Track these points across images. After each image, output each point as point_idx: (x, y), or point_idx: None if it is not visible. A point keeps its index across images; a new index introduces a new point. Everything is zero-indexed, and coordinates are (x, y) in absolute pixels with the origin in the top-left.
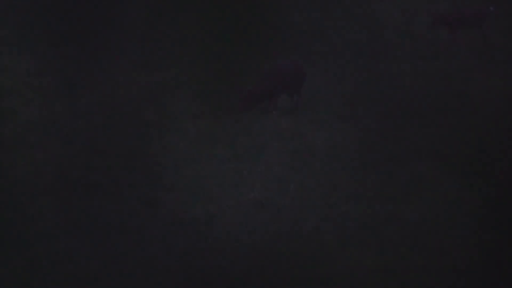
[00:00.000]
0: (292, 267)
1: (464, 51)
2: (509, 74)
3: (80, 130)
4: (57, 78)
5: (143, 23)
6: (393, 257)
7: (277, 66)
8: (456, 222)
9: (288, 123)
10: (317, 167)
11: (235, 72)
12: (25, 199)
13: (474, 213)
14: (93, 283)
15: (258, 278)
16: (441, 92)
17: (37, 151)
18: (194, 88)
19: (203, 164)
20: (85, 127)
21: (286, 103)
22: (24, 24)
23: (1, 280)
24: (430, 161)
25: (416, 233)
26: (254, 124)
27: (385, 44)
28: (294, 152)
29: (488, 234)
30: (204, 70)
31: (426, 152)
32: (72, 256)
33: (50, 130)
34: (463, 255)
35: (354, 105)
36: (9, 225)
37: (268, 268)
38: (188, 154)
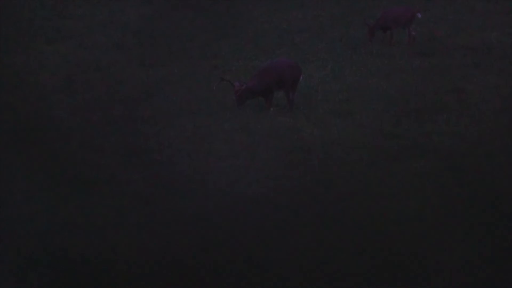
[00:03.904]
0: (289, 265)
1: (462, 48)
2: (506, 71)
3: (77, 127)
4: (53, 74)
5: (140, 19)
6: (392, 254)
7: (273, 63)
8: (454, 219)
9: (284, 120)
10: (314, 164)
11: (231, 68)
12: (22, 196)
13: (473, 210)
14: (90, 280)
15: (255, 275)
16: (438, 89)
17: (33, 148)
18: (191, 85)
19: (199, 161)
20: (81, 124)
21: (282, 100)
22: (21, 21)
23: None
24: (427, 158)
25: (414, 230)
26: (250, 121)
27: (382, 40)
28: (291, 149)
29: (486, 231)
30: (200, 66)
31: (424, 149)
32: (69, 254)
33: (46, 127)
34: (462, 252)
35: (351, 102)
36: (7, 223)
37: (265, 266)
38: (184, 151)
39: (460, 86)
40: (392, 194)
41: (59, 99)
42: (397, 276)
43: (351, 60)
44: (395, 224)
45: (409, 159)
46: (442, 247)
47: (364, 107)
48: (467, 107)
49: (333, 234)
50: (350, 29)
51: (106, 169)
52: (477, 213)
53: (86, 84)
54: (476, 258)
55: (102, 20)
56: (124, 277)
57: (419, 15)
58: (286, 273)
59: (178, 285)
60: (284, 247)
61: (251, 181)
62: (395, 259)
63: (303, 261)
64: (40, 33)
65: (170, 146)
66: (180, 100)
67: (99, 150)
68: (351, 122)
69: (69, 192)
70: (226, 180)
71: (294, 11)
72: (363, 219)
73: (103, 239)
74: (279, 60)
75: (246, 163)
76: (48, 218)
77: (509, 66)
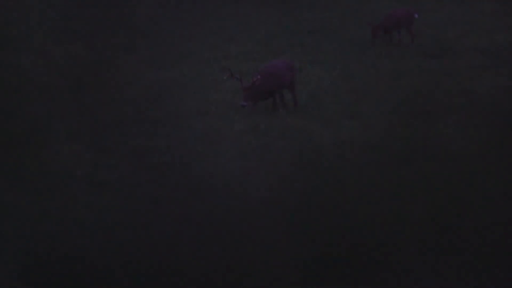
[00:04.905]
0: (299, 266)
1: (471, 50)
2: None
3: (87, 128)
4: (63, 76)
5: (149, 21)
6: (400, 256)
7: (272, 65)
8: (463, 221)
9: (294, 121)
10: (324, 166)
11: (241, 70)
12: (31, 197)
13: (482, 212)
14: (99, 281)
15: (264, 276)
16: (448, 90)
17: (43, 149)
18: (200, 86)
19: (209, 162)
20: (91, 125)
21: (291, 102)
22: (31, 22)
23: (4, 279)
24: (437, 160)
25: (423, 232)
26: (260, 122)
27: (392, 42)
28: (300, 151)
29: (495, 233)
30: (210, 68)
31: (433, 150)
32: (78, 255)
33: (56, 128)
34: (470, 254)
35: (361, 103)
36: (14, 224)
37: (274, 267)
38: (194, 152)
39: (469, 88)
40: (401, 196)
41: (68, 100)
42: (405, 277)
43: (361, 62)
44: (404, 227)
45: (419, 161)
46: (452, 250)
47: (374, 109)
48: (477, 109)
49: (342, 236)
50: (359, 30)
51: (115, 170)
52: (487, 216)
53: (95, 85)
54: (486, 259)
55: (111, 21)
56: (132, 277)
57: (416, 16)
58: (295, 274)
59: (186, 286)
60: (293, 249)
61: (261, 182)
62: (404, 261)
63: (312, 263)
64: (50, 34)
65: (179, 147)
66: (190, 102)
67: (108, 151)
68: (361, 124)
69: (79, 192)
70: (236, 181)
71: (303, 12)
72: (373, 221)
73: (112, 240)
74: (277, 62)
75: (256, 165)
76: (57, 218)
77: None
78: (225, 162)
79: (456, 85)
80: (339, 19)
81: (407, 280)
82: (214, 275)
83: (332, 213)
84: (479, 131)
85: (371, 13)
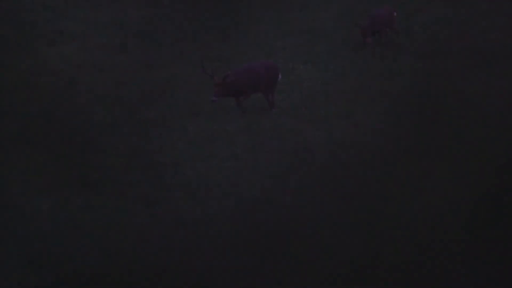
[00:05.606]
0: (291, 265)
1: (464, 50)
2: (508, 73)
3: (80, 129)
4: (56, 76)
5: (142, 21)
6: (392, 254)
7: (250, 65)
8: (455, 220)
9: (287, 121)
10: (316, 165)
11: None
12: (24, 197)
13: (473, 211)
14: (92, 282)
15: (257, 276)
16: (440, 91)
17: (37, 149)
18: (193, 87)
19: (202, 163)
20: (84, 126)
21: (285, 102)
22: (23, 23)
23: (0, 279)
24: (428, 159)
25: (414, 231)
26: (253, 122)
27: (385, 42)
28: (293, 151)
29: (487, 232)
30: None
31: (425, 150)
32: (71, 255)
33: (50, 128)
34: (462, 253)
35: (353, 103)
36: (8, 224)
37: (267, 266)
38: (187, 153)
39: (462, 88)
40: (393, 195)
41: (62, 101)
42: (397, 275)
43: (353, 62)
44: (396, 226)
45: (410, 160)
46: (444, 248)
47: (366, 109)
48: (469, 108)
49: (335, 235)
50: (352, 31)
51: (108, 170)
52: (478, 215)
53: (88, 85)
54: (478, 258)
55: (104, 21)
56: (126, 278)
57: (395, 14)
58: (289, 273)
59: (180, 286)
60: (286, 248)
61: (253, 182)
62: (396, 259)
63: (304, 262)
64: (43, 35)
65: (172, 148)
66: (183, 102)
67: (101, 151)
68: (353, 124)
69: (72, 193)
70: (229, 181)
71: (297, 12)
72: (366, 220)
73: (105, 240)
74: (255, 62)
75: (248, 165)
76: (51, 219)
77: None
78: (218, 163)
79: (449, 85)
80: (331, 20)
81: (400, 279)
82: (208, 275)
83: (325, 212)
84: (471, 131)
85: (364, 14)
